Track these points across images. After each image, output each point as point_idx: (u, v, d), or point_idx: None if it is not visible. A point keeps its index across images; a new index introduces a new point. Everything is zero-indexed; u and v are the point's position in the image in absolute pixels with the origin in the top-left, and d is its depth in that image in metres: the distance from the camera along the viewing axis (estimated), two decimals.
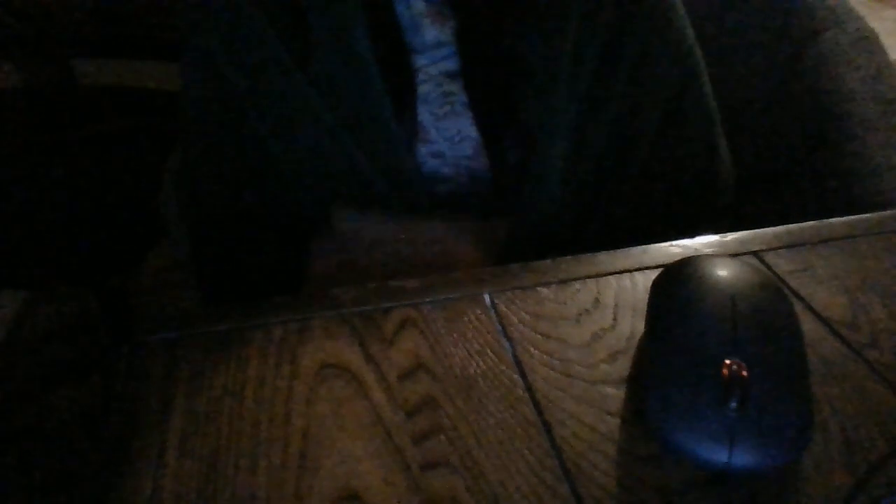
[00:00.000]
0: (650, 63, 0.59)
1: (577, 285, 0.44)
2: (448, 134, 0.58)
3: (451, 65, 0.58)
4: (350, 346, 0.39)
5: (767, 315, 0.35)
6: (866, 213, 0.52)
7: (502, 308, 0.42)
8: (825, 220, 0.51)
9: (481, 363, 0.39)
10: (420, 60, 0.57)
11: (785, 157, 0.73)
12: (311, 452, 0.34)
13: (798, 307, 0.42)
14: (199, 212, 0.62)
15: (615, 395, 0.37)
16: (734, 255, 0.47)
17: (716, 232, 0.49)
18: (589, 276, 0.45)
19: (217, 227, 0.61)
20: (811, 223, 0.50)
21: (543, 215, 0.58)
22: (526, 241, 0.57)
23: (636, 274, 0.45)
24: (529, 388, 0.37)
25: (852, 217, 0.51)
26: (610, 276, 0.45)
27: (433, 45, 0.57)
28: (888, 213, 0.52)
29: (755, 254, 0.47)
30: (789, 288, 0.44)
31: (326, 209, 0.58)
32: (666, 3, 0.60)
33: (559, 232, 0.59)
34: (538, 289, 0.44)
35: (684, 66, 0.62)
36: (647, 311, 0.39)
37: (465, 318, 0.41)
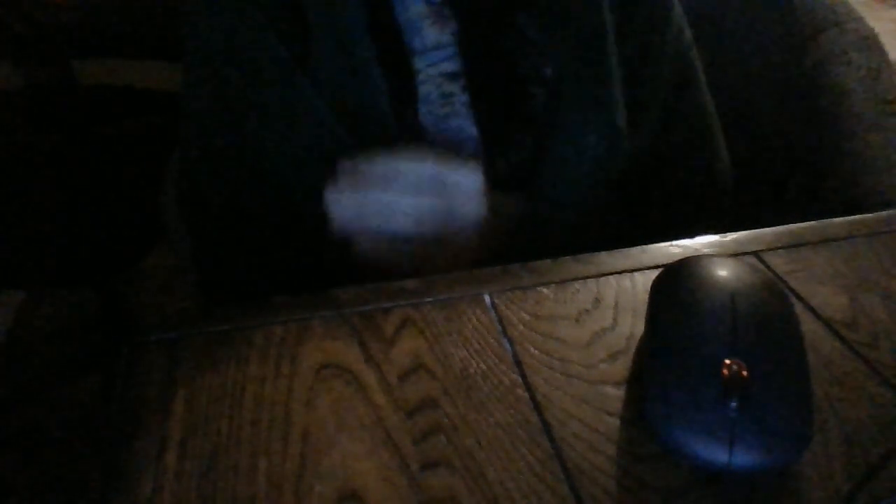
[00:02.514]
0: (648, 63, 0.59)
1: (577, 285, 0.44)
2: (448, 134, 0.58)
3: (452, 66, 0.58)
4: (350, 346, 0.39)
5: (767, 315, 0.35)
6: (866, 213, 0.52)
7: (502, 308, 0.42)
8: (825, 220, 0.51)
9: (481, 363, 0.39)
10: (420, 62, 0.57)
11: (785, 157, 0.73)
12: (311, 452, 0.34)
13: (798, 307, 0.42)
14: (199, 212, 0.62)
15: (615, 395, 0.37)
16: (734, 255, 0.47)
17: (716, 232, 0.49)
18: (589, 276, 0.45)
19: (217, 227, 0.61)
20: (811, 223, 0.50)
21: (556, 208, 0.58)
22: (536, 237, 0.57)
23: (636, 274, 0.45)
24: (529, 388, 0.37)
25: (852, 217, 0.51)
26: (610, 276, 0.45)
27: (433, 46, 0.57)
28: (888, 213, 0.52)
29: (755, 254, 0.47)
30: (789, 288, 0.44)
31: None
32: (664, 4, 0.60)
33: (565, 228, 0.59)
34: (538, 289, 0.44)
35: (682, 65, 0.62)
36: (647, 311, 0.39)
37: (465, 318, 0.41)
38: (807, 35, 0.71)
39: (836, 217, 0.51)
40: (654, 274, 0.40)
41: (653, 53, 0.59)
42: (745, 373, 0.32)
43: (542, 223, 0.58)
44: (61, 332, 0.39)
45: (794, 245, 0.48)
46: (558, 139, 0.57)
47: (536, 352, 0.39)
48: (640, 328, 0.40)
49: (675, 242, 0.48)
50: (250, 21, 0.54)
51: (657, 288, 0.39)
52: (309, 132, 0.55)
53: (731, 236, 0.49)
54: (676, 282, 0.38)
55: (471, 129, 0.58)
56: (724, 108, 0.65)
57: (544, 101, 0.58)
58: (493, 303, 0.43)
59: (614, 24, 0.57)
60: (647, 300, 0.39)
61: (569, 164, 0.57)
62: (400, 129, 0.56)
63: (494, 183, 0.59)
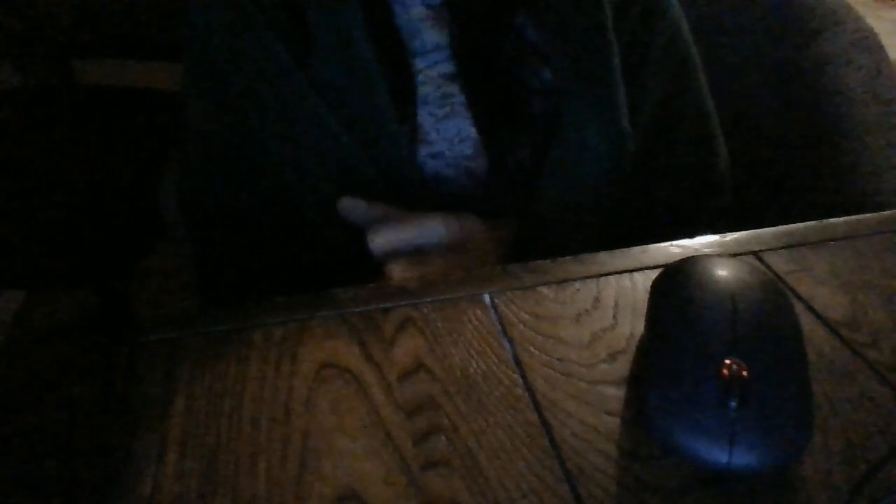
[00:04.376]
0: (645, 60, 0.59)
1: (577, 285, 0.44)
2: (448, 135, 0.58)
3: (451, 67, 0.58)
4: (350, 346, 0.39)
5: (767, 315, 0.35)
6: (866, 213, 0.52)
7: (502, 308, 0.42)
8: (825, 220, 0.51)
9: (481, 363, 0.39)
10: (419, 63, 0.57)
11: (785, 157, 0.73)
12: (311, 452, 0.34)
13: (798, 307, 0.42)
14: (199, 213, 0.62)
15: (615, 395, 0.37)
16: (734, 255, 0.47)
17: (715, 232, 0.49)
18: (589, 276, 0.45)
19: (217, 227, 0.61)
20: (811, 223, 0.50)
21: (560, 209, 0.58)
22: (537, 239, 0.57)
23: (636, 274, 0.45)
24: (529, 388, 0.37)
25: (852, 217, 0.51)
26: (610, 276, 0.45)
27: (432, 48, 0.57)
28: (888, 213, 0.52)
29: (755, 254, 0.47)
30: (789, 288, 0.44)
31: (326, 210, 0.58)
32: (662, 2, 0.60)
33: (566, 230, 0.59)
34: (538, 289, 0.44)
35: (680, 63, 0.62)
36: (647, 311, 0.39)
37: (465, 318, 0.41)
38: (807, 35, 0.71)
39: (836, 217, 0.51)
40: (654, 274, 0.40)
41: (647, 50, 0.59)
42: (745, 373, 0.32)
43: (542, 226, 0.57)
44: (61, 332, 0.39)
45: (794, 245, 0.48)
46: (561, 142, 0.57)
47: (536, 352, 0.39)
48: (640, 328, 0.40)
49: (675, 242, 0.48)
50: (250, 21, 0.54)
51: (657, 288, 0.39)
52: (308, 133, 0.55)
53: (731, 236, 0.49)
54: (676, 282, 0.38)
55: (469, 131, 0.58)
56: (724, 108, 0.65)
57: (544, 103, 0.58)
58: (493, 303, 0.43)
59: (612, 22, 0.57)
60: (647, 300, 0.39)
61: (572, 166, 0.57)
62: (399, 130, 0.56)
63: (495, 184, 0.60)
